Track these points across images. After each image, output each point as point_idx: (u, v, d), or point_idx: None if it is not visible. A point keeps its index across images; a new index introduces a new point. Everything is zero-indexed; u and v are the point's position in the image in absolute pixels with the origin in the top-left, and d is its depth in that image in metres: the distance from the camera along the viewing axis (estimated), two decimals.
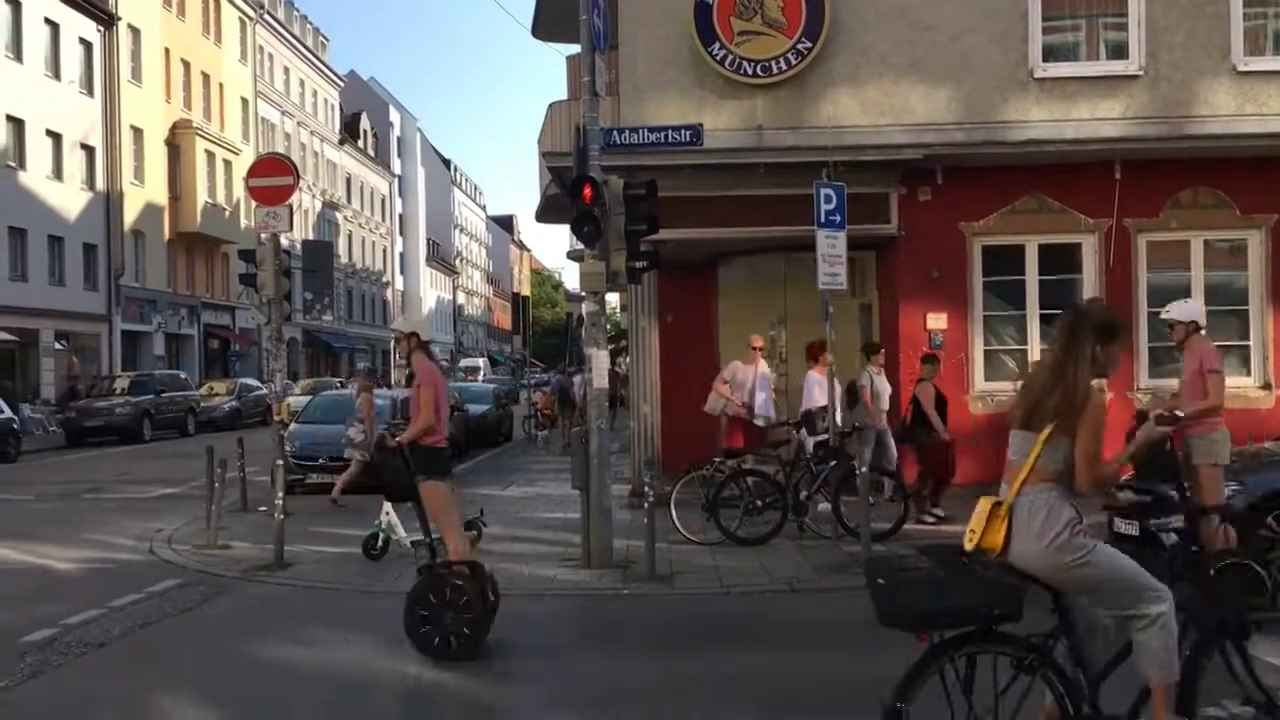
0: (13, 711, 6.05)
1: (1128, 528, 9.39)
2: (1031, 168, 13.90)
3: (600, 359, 10.38)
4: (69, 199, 35.72)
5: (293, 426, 17.23)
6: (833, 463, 11.05)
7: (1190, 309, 8.61)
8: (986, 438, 13.45)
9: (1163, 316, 8.58)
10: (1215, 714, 5.71)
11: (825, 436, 11.37)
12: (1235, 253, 14.39)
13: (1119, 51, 13.83)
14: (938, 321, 14.02)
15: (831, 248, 11.01)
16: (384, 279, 73.61)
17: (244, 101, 50.40)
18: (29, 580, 9.98)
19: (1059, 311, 15.68)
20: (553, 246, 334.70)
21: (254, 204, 11.57)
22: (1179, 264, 14.25)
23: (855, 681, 6.52)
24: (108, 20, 37.92)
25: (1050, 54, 13.83)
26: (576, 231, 10.10)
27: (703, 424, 15.37)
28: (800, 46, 13.57)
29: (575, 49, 15.83)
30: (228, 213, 46.06)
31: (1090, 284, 14.10)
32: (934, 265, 14.01)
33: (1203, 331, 8.51)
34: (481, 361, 73.61)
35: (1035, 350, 14.13)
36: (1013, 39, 13.71)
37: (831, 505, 10.81)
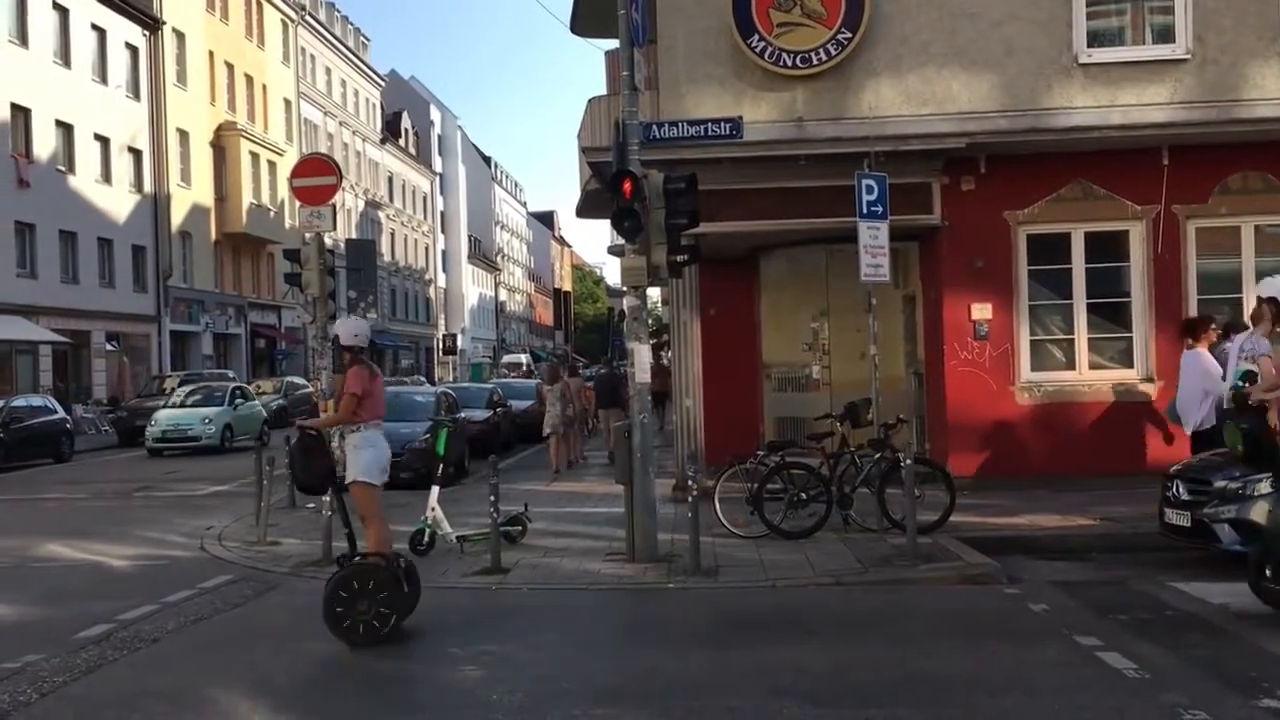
0: (71, 705, 6.17)
1: (1179, 519, 9.31)
2: (1077, 155, 13.71)
3: (642, 353, 10.37)
4: (118, 202, 36.31)
5: None
6: (878, 454, 10.99)
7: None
8: (1033, 428, 13.35)
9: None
10: (1271, 705, 5.64)
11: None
12: None
13: (1165, 35, 13.60)
14: (982, 312, 13.86)
15: (874, 239, 10.95)
16: (426, 277, 74.15)
17: (287, 103, 50.93)
18: (84, 577, 10.17)
19: (1107, 300, 15.38)
20: (594, 242, 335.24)
21: (298, 204, 11.71)
22: (1229, 250, 14.00)
23: (901, 674, 6.49)
24: (153, 25, 38.47)
25: (1095, 39, 13.62)
26: (617, 226, 10.11)
27: (745, 417, 15.37)
28: (840, 37, 13.48)
29: (614, 44, 15.89)
30: (272, 213, 46.57)
31: (1138, 272, 13.90)
32: (978, 255, 13.85)
33: None
34: (524, 357, 74.03)
35: (1083, 339, 13.95)
36: (1056, 24, 13.53)
37: (876, 498, 10.75)
